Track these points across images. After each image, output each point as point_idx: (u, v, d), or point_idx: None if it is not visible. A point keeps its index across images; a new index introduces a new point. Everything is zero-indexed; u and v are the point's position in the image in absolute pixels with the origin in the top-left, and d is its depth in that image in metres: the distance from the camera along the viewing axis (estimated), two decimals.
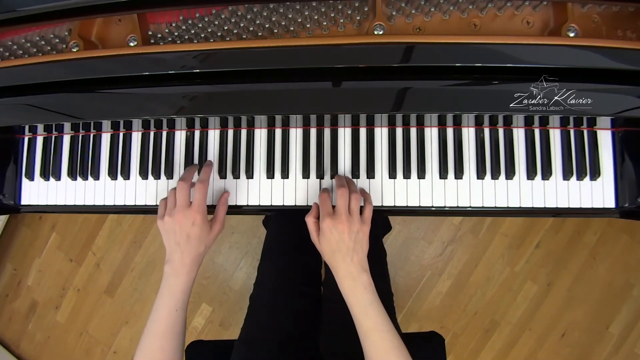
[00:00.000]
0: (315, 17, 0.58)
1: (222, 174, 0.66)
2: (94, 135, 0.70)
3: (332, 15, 0.58)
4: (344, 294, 0.54)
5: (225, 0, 0.58)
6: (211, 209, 0.65)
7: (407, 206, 0.63)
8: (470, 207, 0.62)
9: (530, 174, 0.61)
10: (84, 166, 0.70)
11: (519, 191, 0.62)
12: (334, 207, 0.56)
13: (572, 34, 0.55)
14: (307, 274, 0.76)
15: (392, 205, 0.63)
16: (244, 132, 0.66)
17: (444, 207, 0.63)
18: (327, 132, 0.65)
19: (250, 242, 1.45)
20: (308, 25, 0.59)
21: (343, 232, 0.53)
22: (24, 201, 0.72)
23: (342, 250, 0.54)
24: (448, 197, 0.62)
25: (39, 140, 0.72)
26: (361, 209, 0.58)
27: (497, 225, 1.35)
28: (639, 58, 0.52)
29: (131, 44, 0.61)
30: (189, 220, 0.56)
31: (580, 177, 0.61)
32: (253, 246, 1.44)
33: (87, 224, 1.52)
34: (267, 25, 0.59)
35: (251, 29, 0.59)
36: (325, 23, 0.59)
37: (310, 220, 0.58)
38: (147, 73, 0.58)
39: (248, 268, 1.44)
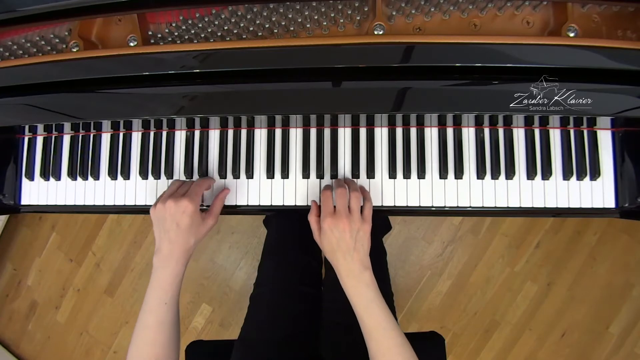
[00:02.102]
0: (315, 17, 0.58)
1: (222, 174, 0.66)
2: (94, 135, 0.70)
3: (332, 15, 0.58)
4: (346, 292, 0.54)
5: (225, 0, 0.58)
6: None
7: (407, 206, 0.63)
8: (470, 207, 0.62)
9: (530, 174, 0.61)
10: (84, 166, 0.70)
11: (519, 191, 0.62)
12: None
13: (572, 34, 0.55)
14: (307, 274, 0.76)
15: (392, 205, 0.63)
16: (244, 132, 0.66)
17: (444, 207, 0.62)
18: (327, 132, 0.65)
19: (250, 242, 1.45)
20: (308, 25, 0.59)
21: (344, 231, 0.53)
22: (24, 201, 0.72)
23: (342, 248, 0.54)
24: (448, 197, 0.62)
25: (39, 140, 0.72)
26: (361, 208, 0.58)
27: (497, 225, 1.35)
28: (639, 58, 0.52)
29: (131, 44, 0.61)
30: (179, 207, 0.55)
31: (580, 177, 0.61)
32: (253, 246, 1.44)
33: (87, 224, 1.53)
34: (267, 25, 0.59)
35: (251, 29, 0.59)
36: (325, 23, 0.59)
37: (312, 219, 0.58)
38: (147, 73, 0.58)
39: (248, 268, 1.44)
